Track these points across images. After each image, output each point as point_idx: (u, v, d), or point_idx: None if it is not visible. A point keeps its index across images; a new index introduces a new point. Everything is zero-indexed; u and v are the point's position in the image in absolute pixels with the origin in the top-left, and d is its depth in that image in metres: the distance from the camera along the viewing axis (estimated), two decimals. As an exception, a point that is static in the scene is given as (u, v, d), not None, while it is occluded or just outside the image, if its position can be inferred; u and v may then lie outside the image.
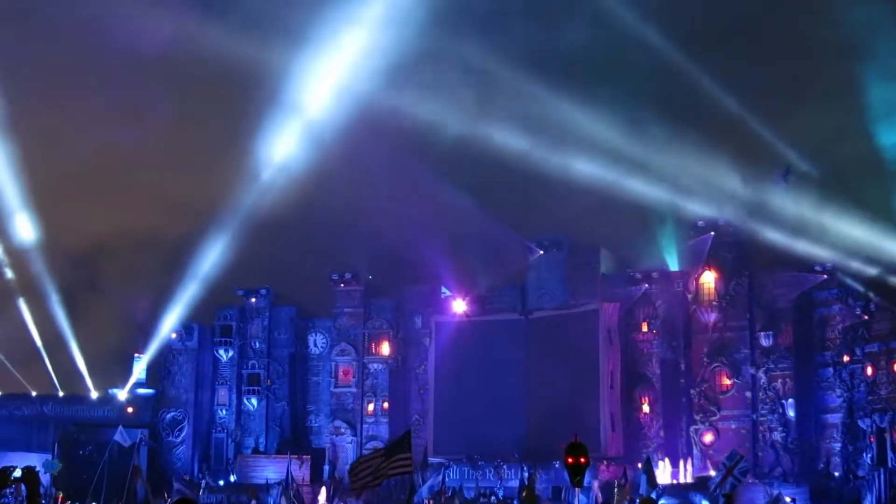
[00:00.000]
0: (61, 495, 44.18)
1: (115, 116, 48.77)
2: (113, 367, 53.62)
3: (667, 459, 43.91)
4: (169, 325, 52.14)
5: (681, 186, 44.14)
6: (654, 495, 39.20)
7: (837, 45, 44.88)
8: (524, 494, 40.06)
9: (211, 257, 49.95)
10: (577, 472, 18.91)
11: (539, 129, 45.04)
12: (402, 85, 46.83)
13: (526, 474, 43.99)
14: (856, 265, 41.27)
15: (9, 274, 49.20)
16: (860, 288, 41.07)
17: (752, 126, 43.03)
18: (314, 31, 44.88)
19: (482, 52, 45.38)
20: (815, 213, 41.83)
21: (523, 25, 45.30)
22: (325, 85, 46.91)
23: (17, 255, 48.89)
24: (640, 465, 41.22)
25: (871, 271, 40.74)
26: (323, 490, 46.48)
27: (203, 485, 47.91)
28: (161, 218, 51.56)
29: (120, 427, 49.31)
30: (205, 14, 48.29)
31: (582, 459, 18.81)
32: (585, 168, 44.33)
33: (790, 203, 42.36)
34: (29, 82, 49.37)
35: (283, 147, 49.22)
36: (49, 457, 47.60)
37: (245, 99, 47.47)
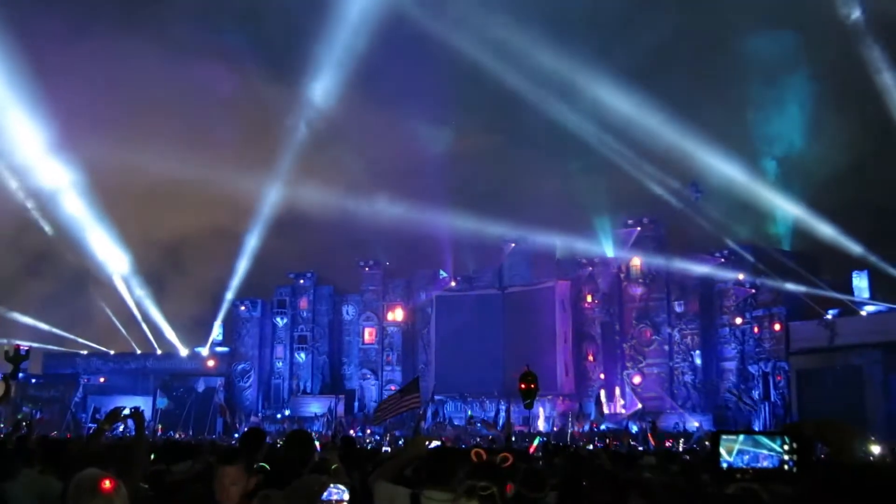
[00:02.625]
0: (161, 426, 44.44)
1: (193, 138, 48.61)
2: (197, 330, 53.83)
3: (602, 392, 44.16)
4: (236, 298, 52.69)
5: (616, 192, 44.18)
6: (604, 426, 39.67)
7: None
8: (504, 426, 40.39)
9: (269, 249, 50.30)
10: (528, 396, 18.55)
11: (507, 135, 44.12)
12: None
13: (503, 407, 44.25)
14: (747, 251, 41.22)
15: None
16: (749, 268, 41.05)
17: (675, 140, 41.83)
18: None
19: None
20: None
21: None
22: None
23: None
24: (594, 399, 41.81)
25: (757, 255, 40.75)
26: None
27: (261, 417, 48.25)
28: (231, 217, 51.09)
29: (201, 378, 49.78)
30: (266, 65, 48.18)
31: (532, 385, 18.38)
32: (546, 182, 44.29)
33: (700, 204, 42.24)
34: (124, 115, 49.13)
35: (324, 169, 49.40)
36: (150, 399, 48.05)
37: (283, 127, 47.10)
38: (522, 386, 18.77)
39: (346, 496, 5.04)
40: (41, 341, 51.95)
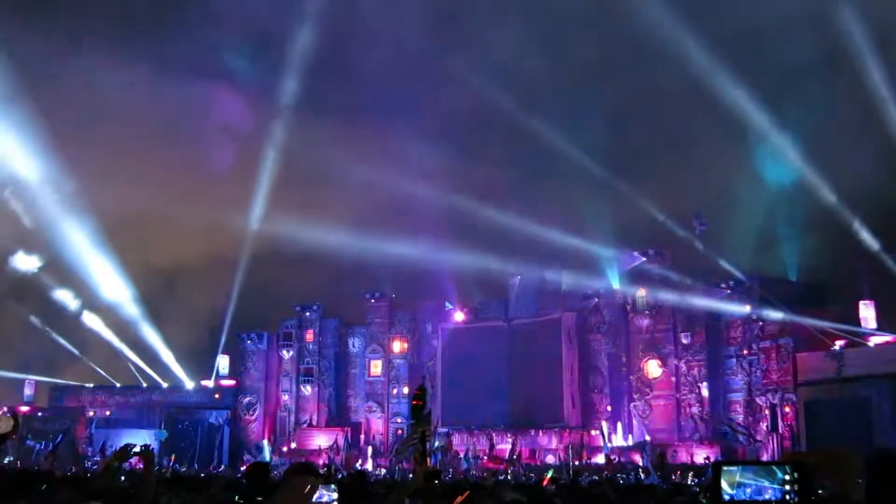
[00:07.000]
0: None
1: (183, 166, 48.30)
2: (203, 363, 53.55)
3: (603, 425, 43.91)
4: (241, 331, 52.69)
5: (622, 225, 44.17)
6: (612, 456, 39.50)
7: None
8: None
9: (274, 281, 50.19)
10: (416, 415, 16.15)
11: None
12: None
13: (510, 439, 44.16)
14: (753, 281, 41.11)
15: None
16: (755, 299, 40.95)
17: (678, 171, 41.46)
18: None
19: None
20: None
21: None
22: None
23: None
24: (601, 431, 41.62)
25: (764, 285, 40.66)
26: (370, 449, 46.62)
27: (269, 450, 47.96)
28: (234, 249, 50.25)
29: (213, 412, 49.83)
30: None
31: (420, 402, 16.02)
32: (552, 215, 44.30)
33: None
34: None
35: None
36: (156, 430, 47.90)
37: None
38: (414, 402, 16.33)
39: (336, 496, 5.24)
40: (44, 372, 52.09)
